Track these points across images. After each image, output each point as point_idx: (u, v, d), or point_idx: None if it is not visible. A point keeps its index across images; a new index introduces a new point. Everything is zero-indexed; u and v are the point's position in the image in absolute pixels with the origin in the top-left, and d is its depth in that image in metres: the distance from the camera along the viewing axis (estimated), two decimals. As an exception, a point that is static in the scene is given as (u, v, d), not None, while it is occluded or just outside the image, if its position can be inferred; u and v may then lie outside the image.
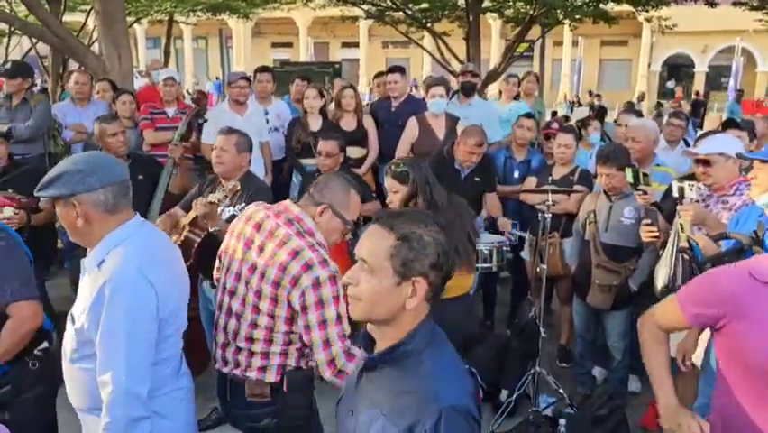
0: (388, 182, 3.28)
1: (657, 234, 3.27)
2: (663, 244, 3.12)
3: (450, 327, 1.71)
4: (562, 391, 3.88)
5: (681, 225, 2.90)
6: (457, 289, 3.30)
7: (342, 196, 2.42)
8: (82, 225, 1.95)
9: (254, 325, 2.29)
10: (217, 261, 2.56)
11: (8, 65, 5.92)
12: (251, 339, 2.30)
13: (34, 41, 13.15)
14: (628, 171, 3.53)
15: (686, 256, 2.86)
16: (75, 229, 1.97)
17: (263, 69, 6.05)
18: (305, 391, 2.36)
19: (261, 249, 2.30)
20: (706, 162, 3.23)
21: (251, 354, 2.31)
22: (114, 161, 2.08)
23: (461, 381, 1.48)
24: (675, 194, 3.08)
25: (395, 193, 3.25)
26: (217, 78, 23.38)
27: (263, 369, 2.31)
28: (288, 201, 2.47)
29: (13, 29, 14.11)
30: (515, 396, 3.83)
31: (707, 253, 2.80)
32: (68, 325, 2.05)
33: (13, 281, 2.29)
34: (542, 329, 3.88)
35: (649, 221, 3.31)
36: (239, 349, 2.34)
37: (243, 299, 2.33)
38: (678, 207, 2.99)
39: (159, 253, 2.06)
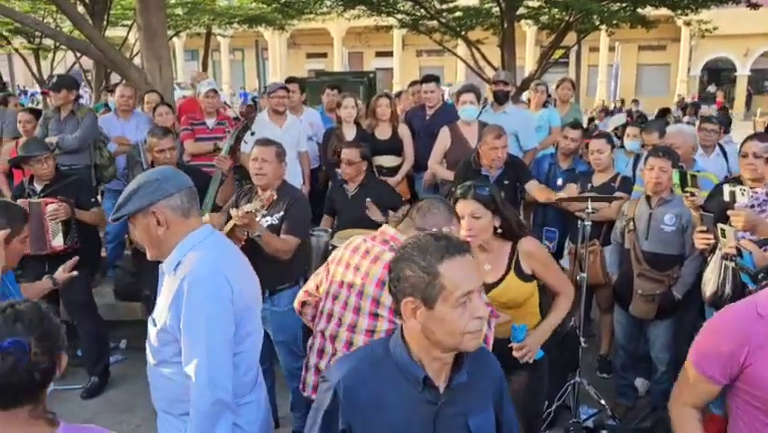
0: (469, 206, 2.71)
1: (712, 241, 3.15)
2: (712, 250, 3.04)
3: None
4: (603, 402, 3.81)
5: (722, 230, 2.81)
6: None
7: (445, 222, 2.37)
8: (162, 232, 2.02)
9: (349, 345, 2.32)
10: (314, 285, 2.61)
11: (54, 79, 6.10)
12: None
13: (78, 55, 13.59)
14: (675, 173, 3.45)
15: (730, 264, 2.77)
16: (154, 239, 2.04)
17: (291, 80, 6.14)
18: None
19: (357, 268, 2.36)
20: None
21: None
22: (178, 171, 2.17)
23: None
24: (726, 198, 3.00)
25: (476, 219, 2.71)
26: (242, 89, 23.70)
27: None
28: (384, 225, 2.51)
29: (58, 44, 14.63)
30: (554, 406, 3.77)
31: (759, 263, 2.69)
32: (150, 330, 2.10)
33: None
34: (582, 339, 3.82)
35: (705, 228, 3.18)
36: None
37: (340, 320, 2.37)
38: (729, 213, 2.91)
39: (231, 256, 2.15)
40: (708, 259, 2.99)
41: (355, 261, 2.38)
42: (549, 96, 6.97)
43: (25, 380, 1.42)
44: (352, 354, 1.85)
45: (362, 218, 4.35)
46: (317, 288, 2.60)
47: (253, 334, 2.15)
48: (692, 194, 3.38)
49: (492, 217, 2.72)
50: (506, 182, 4.39)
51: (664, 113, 12.25)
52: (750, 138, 3.47)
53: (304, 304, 2.75)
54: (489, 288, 2.70)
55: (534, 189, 4.51)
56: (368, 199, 4.35)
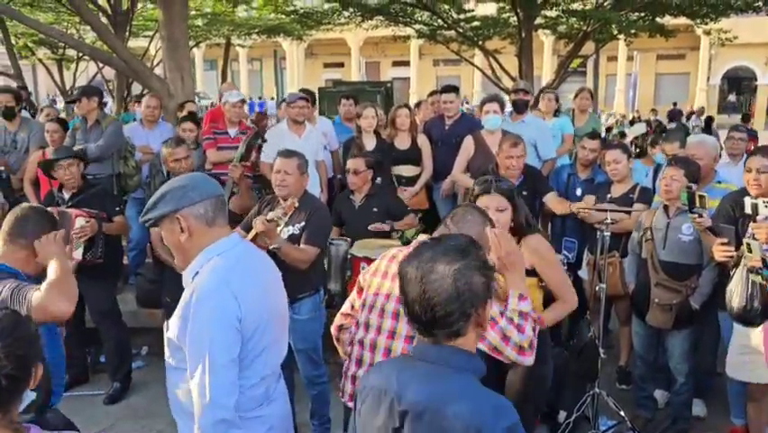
0: (495, 200, 2.84)
1: (732, 253, 3.14)
2: (735, 264, 3.02)
3: None
4: (622, 413, 3.79)
5: (747, 244, 2.81)
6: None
7: (479, 229, 2.39)
8: (185, 239, 2.04)
9: (388, 352, 2.34)
10: (349, 305, 2.61)
11: (77, 91, 6.22)
12: None
13: (101, 65, 13.82)
14: (683, 194, 3.46)
15: (756, 277, 2.76)
16: (179, 246, 2.07)
17: (303, 92, 6.20)
18: None
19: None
20: None
21: None
22: (209, 178, 2.18)
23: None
24: (748, 210, 2.99)
25: (500, 212, 2.82)
26: (254, 98, 23.87)
27: None
28: (421, 235, 2.54)
29: (81, 55, 14.89)
30: (573, 417, 3.76)
31: None
32: (165, 334, 2.13)
33: None
34: (601, 350, 3.80)
35: (725, 240, 3.17)
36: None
37: (378, 328, 2.39)
38: (751, 225, 2.90)
39: (251, 271, 2.11)
40: (732, 272, 2.97)
41: (393, 269, 2.38)
42: (559, 103, 6.99)
43: None
44: (388, 360, 1.86)
45: (370, 229, 4.41)
46: (352, 306, 2.60)
47: (271, 347, 2.12)
48: (700, 215, 3.38)
49: (511, 211, 2.83)
50: (524, 193, 4.40)
51: (672, 117, 12.15)
52: (753, 153, 3.46)
53: (341, 328, 2.66)
54: None
55: (553, 201, 4.52)
56: (372, 226, 4.43)
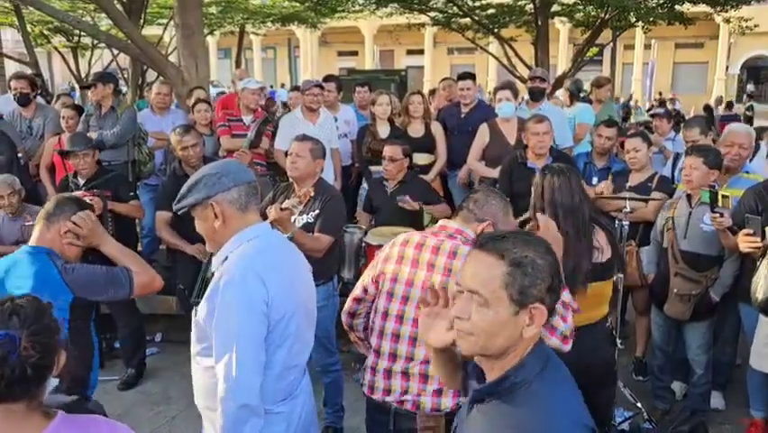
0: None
1: (759, 244, 3.08)
2: (762, 254, 2.97)
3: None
4: (639, 404, 3.75)
5: None
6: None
7: (503, 213, 2.41)
8: (219, 225, 2.05)
9: (413, 340, 2.30)
10: (361, 290, 2.55)
11: (92, 77, 6.24)
12: (427, 361, 2.22)
13: (116, 53, 13.85)
14: (704, 193, 3.41)
15: None
16: (212, 232, 2.08)
17: (328, 79, 6.17)
18: None
19: (432, 265, 2.31)
20: None
21: (425, 378, 2.29)
22: (242, 165, 2.20)
23: (576, 413, 1.37)
24: None
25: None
26: (271, 87, 23.86)
27: (439, 392, 2.28)
28: (443, 220, 2.50)
29: (96, 42, 14.92)
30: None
31: None
32: (192, 319, 2.12)
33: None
34: (618, 341, 3.76)
35: (751, 231, 3.12)
36: (408, 375, 2.31)
37: (401, 318, 2.33)
38: None
39: (280, 258, 2.11)
40: (758, 263, 2.92)
41: (427, 257, 2.31)
42: (582, 91, 6.91)
43: (18, 374, 1.44)
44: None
45: (402, 215, 4.35)
46: (366, 291, 2.52)
47: (296, 338, 2.10)
48: (721, 215, 3.33)
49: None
50: None
51: (708, 111, 12.01)
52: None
53: (354, 315, 2.59)
54: None
55: None
56: (400, 198, 4.34)
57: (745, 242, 3.08)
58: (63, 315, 2.52)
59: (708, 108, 16.45)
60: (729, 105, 17.99)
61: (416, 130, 5.42)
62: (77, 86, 16.69)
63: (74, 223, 2.58)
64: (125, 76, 13.01)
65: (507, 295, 1.33)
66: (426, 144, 5.39)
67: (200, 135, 4.49)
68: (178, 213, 2.13)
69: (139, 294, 2.64)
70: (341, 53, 36.38)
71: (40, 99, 6.59)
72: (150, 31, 15.21)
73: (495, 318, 1.34)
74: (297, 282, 2.18)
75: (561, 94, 6.65)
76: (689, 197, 3.74)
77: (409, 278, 2.35)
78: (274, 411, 2.08)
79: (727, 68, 31.00)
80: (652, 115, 6.82)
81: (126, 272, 2.58)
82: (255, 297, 1.96)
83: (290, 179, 3.66)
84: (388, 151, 4.42)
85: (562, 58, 26.02)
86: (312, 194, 3.46)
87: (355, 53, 35.32)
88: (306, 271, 2.30)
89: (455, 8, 11.66)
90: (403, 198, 4.31)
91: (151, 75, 11.57)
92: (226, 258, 2.05)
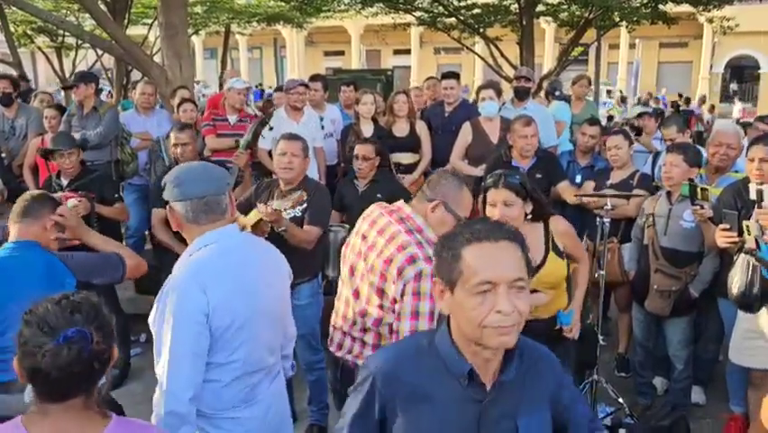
0: (501, 194, 2.77)
1: (736, 239, 3.12)
2: (739, 249, 3.01)
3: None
4: (621, 400, 3.79)
5: (747, 227, 2.81)
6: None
7: (455, 192, 2.47)
8: (177, 228, 2.13)
9: (365, 315, 2.42)
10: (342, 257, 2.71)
11: (74, 77, 6.21)
12: (364, 330, 2.46)
13: (100, 53, 13.76)
14: (684, 187, 3.46)
15: (751, 259, 2.77)
16: (179, 231, 2.15)
17: (315, 78, 6.18)
18: None
19: (373, 245, 2.43)
20: None
21: (363, 344, 2.47)
22: (207, 176, 2.11)
23: None
24: (753, 196, 2.98)
25: (508, 206, 2.76)
26: (259, 87, 23.84)
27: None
28: (401, 201, 2.58)
29: (80, 42, 14.81)
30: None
31: None
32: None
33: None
34: (600, 337, 3.80)
35: (728, 226, 3.15)
36: (353, 338, 2.50)
37: (357, 291, 2.47)
38: (756, 211, 2.90)
39: (237, 263, 2.07)
40: (735, 258, 2.97)
41: (372, 235, 2.47)
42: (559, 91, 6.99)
43: (86, 369, 1.45)
44: (395, 342, 1.88)
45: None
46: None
47: (251, 343, 2.07)
48: (702, 207, 3.39)
49: (523, 205, 2.80)
50: (538, 175, 4.39)
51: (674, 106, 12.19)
52: (756, 142, 3.42)
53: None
54: (535, 270, 2.79)
55: (565, 190, 4.49)
56: (378, 196, 4.35)
57: (723, 237, 3.11)
58: None
59: (674, 105, 16.78)
60: (711, 108, 18.37)
61: (400, 129, 5.44)
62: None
63: (60, 215, 2.58)
64: (110, 76, 12.93)
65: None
66: (411, 144, 5.41)
67: (196, 135, 4.48)
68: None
69: (130, 276, 2.73)
70: (327, 53, 36.33)
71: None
72: (135, 30, 15.12)
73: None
74: (259, 285, 2.14)
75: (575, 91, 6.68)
76: (669, 194, 3.79)
77: (356, 249, 2.53)
78: (229, 417, 2.07)
79: (711, 67, 31.30)
80: (639, 115, 6.88)
81: (117, 256, 2.66)
82: (192, 306, 1.96)
83: (273, 176, 3.66)
84: (360, 150, 4.44)
85: (547, 57, 26.19)
86: (305, 197, 3.47)
87: (342, 53, 35.29)
88: (277, 271, 2.29)
89: (441, 8, 11.70)
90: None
91: (136, 75, 11.52)
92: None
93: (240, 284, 2.06)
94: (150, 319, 2.04)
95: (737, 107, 19.86)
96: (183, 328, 1.95)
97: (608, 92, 23.52)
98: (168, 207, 2.11)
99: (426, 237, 2.39)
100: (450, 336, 1.51)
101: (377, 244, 2.42)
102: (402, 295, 2.28)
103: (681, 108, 16.09)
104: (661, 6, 10.93)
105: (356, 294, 2.47)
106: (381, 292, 2.35)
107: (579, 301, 3.11)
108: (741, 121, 13.83)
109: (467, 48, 13.31)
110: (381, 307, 2.37)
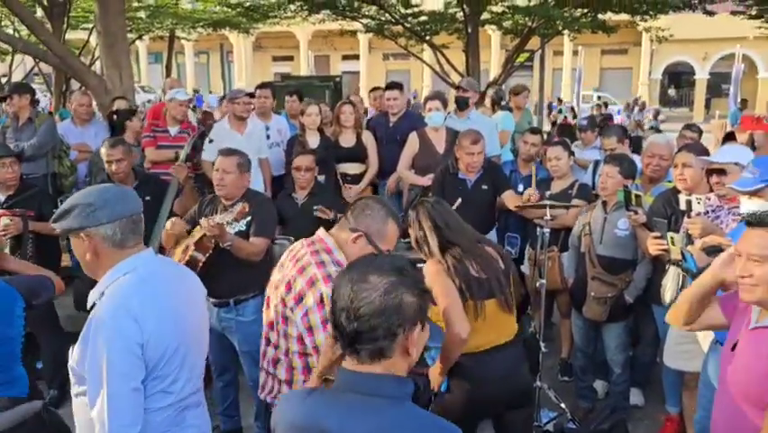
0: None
1: (665, 247, 3.24)
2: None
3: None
4: (563, 405, 3.88)
5: (671, 237, 2.93)
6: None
7: (379, 224, 2.36)
8: (90, 258, 1.95)
9: (277, 347, 2.42)
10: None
11: (8, 88, 6.00)
12: (275, 362, 2.46)
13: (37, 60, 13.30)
14: (620, 193, 3.58)
15: (678, 269, 2.88)
16: (85, 262, 1.98)
17: (263, 86, 6.11)
18: None
19: (285, 275, 2.40)
20: (721, 172, 3.23)
21: (279, 381, 2.45)
22: (126, 194, 2.03)
23: None
24: (682, 207, 3.10)
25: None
26: (195, 92, 23.53)
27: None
28: (321, 230, 2.49)
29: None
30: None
31: (701, 264, 2.80)
32: (68, 363, 2.01)
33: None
34: (542, 344, 3.88)
35: (658, 234, 3.27)
36: (268, 373, 2.51)
37: (271, 322, 2.45)
38: (686, 220, 3.02)
39: (161, 289, 2.00)
40: (667, 267, 3.08)
41: (289, 268, 2.39)
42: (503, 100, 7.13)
43: None
44: (306, 391, 1.67)
45: (313, 227, 4.35)
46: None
47: (179, 371, 1.99)
48: (636, 212, 3.51)
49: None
50: (484, 186, 4.46)
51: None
52: (680, 149, 3.61)
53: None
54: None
55: (510, 199, 4.52)
56: (317, 207, 4.34)
57: (653, 245, 3.23)
58: (22, 322, 2.58)
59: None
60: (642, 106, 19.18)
61: (347, 140, 5.44)
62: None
63: None
64: (47, 81, 12.52)
65: None
66: (357, 154, 5.42)
67: (131, 150, 4.37)
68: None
69: (58, 293, 2.82)
70: (276, 58, 36.06)
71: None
72: (75, 35, 14.69)
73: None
74: (184, 310, 2.06)
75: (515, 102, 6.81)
76: (604, 203, 3.91)
77: (275, 284, 2.46)
78: None
79: (650, 73, 32.46)
80: (579, 129, 7.06)
81: (44, 276, 2.74)
82: (127, 338, 1.85)
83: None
84: (301, 161, 4.40)
85: (494, 63, 26.64)
86: (247, 210, 3.43)
87: (290, 58, 35.09)
88: (199, 295, 2.22)
89: (387, 15, 11.77)
90: (318, 208, 4.32)
91: (77, 82, 11.20)
92: (102, 294, 1.94)
93: (170, 310, 1.99)
94: (72, 363, 1.93)
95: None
96: (120, 363, 1.84)
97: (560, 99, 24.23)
98: (80, 235, 1.92)
99: (335, 259, 2.34)
100: None
101: (287, 274, 2.39)
102: (306, 314, 2.26)
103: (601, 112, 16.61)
104: (600, 15, 11.29)
105: (270, 325, 2.46)
106: (285, 320, 2.34)
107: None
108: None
109: (414, 55, 13.43)
110: (286, 335, 2.34)
